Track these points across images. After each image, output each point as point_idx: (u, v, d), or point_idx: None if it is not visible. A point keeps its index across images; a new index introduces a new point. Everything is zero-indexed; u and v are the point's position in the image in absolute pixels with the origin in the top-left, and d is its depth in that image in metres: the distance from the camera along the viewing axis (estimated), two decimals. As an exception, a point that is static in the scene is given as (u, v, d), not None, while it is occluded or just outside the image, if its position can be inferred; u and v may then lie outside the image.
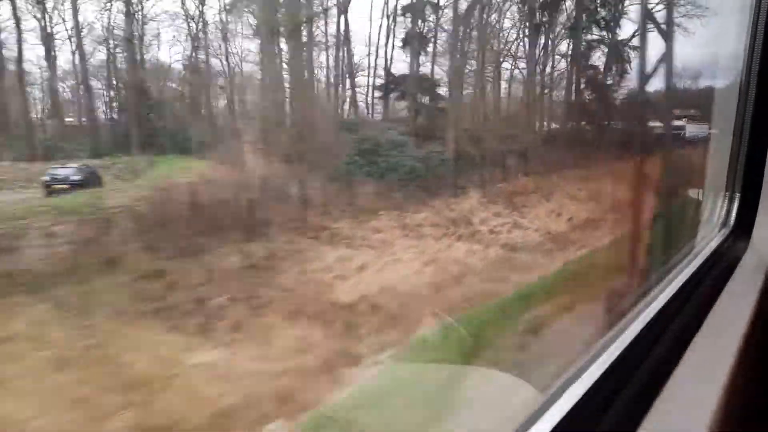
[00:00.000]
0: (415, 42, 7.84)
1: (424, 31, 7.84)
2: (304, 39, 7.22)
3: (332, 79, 8.10)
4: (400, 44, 8.22)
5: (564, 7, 7.44)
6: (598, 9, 7.11)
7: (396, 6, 8.15)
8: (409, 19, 8.12)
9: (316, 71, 7.82)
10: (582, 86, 7.89)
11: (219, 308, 3.85)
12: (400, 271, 4.18)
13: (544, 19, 7.53)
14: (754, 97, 1.67)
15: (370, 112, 8.63)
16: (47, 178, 5.05)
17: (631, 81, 7.75)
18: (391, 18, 8.04)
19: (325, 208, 4.75)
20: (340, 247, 4.29)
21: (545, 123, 8.23)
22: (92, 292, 3.67)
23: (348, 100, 8.47)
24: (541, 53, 7.57)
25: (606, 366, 0.84)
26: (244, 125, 7.15)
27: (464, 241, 4.72)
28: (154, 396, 2.87)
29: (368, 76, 8.40)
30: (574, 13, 7.35)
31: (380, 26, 8.12)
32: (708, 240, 1.65)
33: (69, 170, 5.28)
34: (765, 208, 1.62)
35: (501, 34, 7.39)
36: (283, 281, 4.09)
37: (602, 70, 7.90)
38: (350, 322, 3.63)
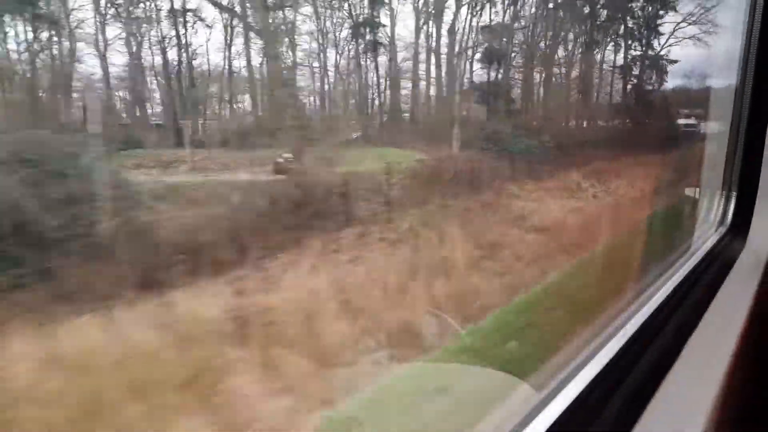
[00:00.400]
0: (492, 56, 9.49)
1: (500, 46, 9.52)
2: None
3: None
4: (480, 57, 9.77)
5: (611, 28, 9.42)
6: (641, 30, 9.27)
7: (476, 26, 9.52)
8: (488, 38, 9.61)
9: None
10: (626, 91, 9.86)
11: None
12: (560, 212, 6.72)
13: (595, 37, 9.51)
14: (750, 97, 1.68)
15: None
16: (281, 160, 6.41)
17: (663, 85, 9.89)
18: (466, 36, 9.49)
19: (498, 177, 7.22)
20: (518, 200, 6.85)
21: (599, 121, 10.40)
22: (432, 212, 6.00)
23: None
24: (594, 66, 9.74)
25: (603, 364, 0.84)
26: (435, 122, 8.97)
27: (581, 199, 7.41)
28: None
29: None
30: (621, 31, 9.44)
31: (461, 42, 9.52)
32: (705, 238, 1.65)
33: (291, 156, 6.80)
34: (761, 207, 1.62)
35: (563, 48, 9.56)
36: (504, 213, 6.69)
37: (642, 77, 9.91)
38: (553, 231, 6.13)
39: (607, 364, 0.84)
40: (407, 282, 4.59)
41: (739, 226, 1.66)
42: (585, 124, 9.76)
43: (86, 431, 2.63)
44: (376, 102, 8.95)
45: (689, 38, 9.01)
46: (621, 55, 9.47)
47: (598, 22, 9.34)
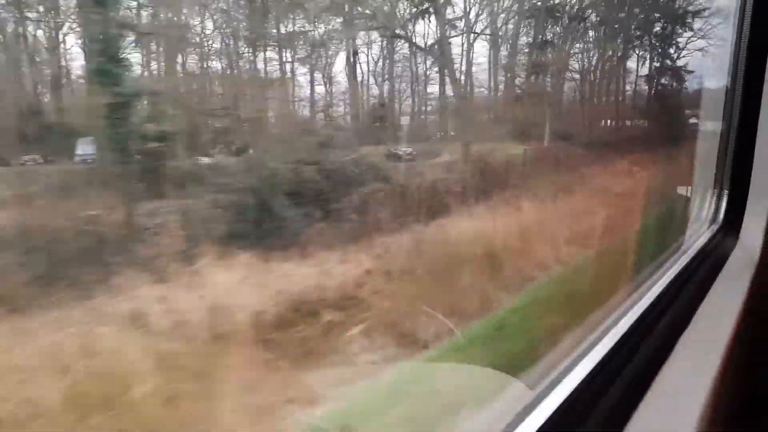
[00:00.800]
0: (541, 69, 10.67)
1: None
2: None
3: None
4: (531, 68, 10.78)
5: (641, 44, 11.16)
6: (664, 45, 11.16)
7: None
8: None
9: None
10: (650, 96, 11.51)
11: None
12: (627, 184, 7.48)
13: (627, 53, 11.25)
14: (740, 96, 1.69)
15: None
16: (400, 152, 7.47)
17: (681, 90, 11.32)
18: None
19: (581, 163, 8.43)
20: (600, 177, 7.80)
21: (634, 121, 12.00)
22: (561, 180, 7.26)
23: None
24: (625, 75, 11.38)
25: (595, 362, 0.84)
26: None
27: (634, 178, 7.95)
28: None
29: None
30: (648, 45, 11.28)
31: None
32: (697, 237, 1.66)
33: (409, 149, 7.77)
34: (753, 205, 1.64)
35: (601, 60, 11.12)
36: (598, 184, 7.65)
37: (664, 84, 11.62)
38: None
39: (600, 362, 0.84)
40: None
41: (731, 224, 1.68)
42: (620, 123, 11.59)
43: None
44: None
45: (699, 50, 10.47)
46: (646, 65, 11.35)
47: (632, 40, 11.24)
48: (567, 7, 10.07)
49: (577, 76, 10.86)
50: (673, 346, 0.94)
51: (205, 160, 5.38)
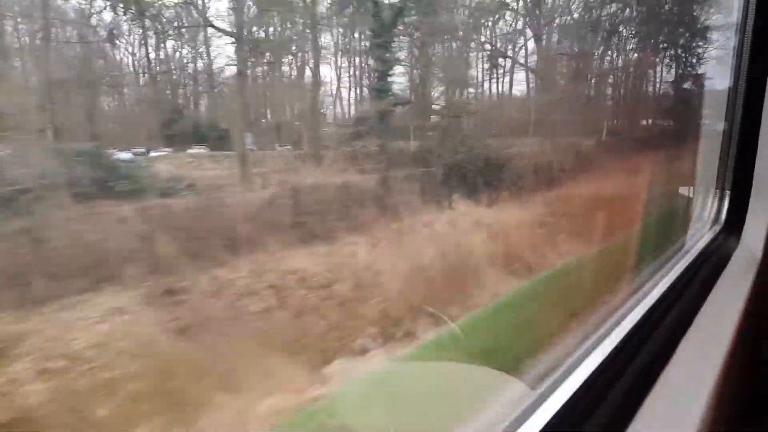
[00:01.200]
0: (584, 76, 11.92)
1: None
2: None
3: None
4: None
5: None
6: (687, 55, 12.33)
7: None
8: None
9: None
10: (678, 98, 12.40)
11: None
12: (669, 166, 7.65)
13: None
14: (743, 96, 1.69)
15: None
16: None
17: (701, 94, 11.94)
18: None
19: (633, 151, 9.58)
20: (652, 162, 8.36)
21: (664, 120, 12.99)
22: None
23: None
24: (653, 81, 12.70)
25: (597, 363, 0.84)
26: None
27: (670, 162, 8.08)
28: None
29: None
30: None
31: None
32: (699, 237, 1.65)
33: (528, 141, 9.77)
34: (755, 206, 1.63)
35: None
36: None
37: (687, 88, 12.33)
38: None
39: (602, 363, 0.84)
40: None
41: (734, 225, 1.67)
42: (654, 122, 12.91)
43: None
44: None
45: (714, 59, 11.38)
46: (672, 72, 12.83)
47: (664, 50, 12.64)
48: (609, 24, 11.27)
49: (617, 82, 12.57)
50: (676, 346, 0.94)
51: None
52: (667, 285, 1.18)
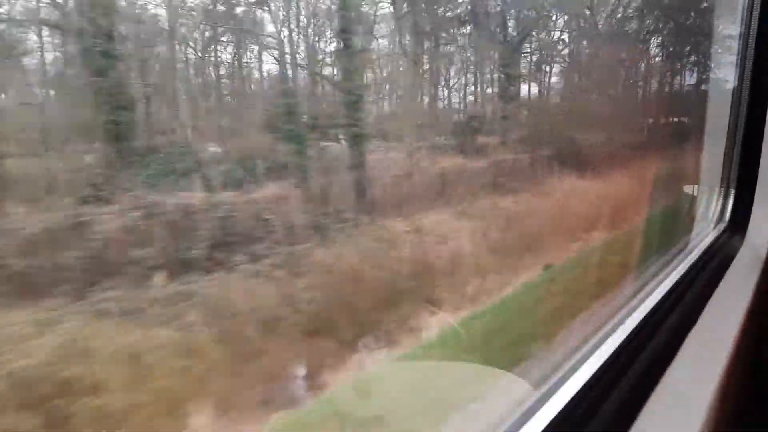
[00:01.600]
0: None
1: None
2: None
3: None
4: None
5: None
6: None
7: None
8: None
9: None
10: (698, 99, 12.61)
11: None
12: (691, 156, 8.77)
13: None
14: (748, 94, 1.68)
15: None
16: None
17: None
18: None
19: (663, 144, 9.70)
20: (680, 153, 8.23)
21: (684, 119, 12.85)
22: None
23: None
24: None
25: (601, 362, 0.83)
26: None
27: (688, 154, 8.38)
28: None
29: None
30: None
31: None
32: (703, 236, 1.65)
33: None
34: (760, 204, 1.62)
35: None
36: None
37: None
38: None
39: (606, 362, 0.84)
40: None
41: (738, 223, 1.66)
42: (676, 119, 12.95)
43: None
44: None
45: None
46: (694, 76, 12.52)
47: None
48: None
49: (642, 82, 12.82)
50: (680, 345, 0.93)
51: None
52: (671, 284, 1.18)
